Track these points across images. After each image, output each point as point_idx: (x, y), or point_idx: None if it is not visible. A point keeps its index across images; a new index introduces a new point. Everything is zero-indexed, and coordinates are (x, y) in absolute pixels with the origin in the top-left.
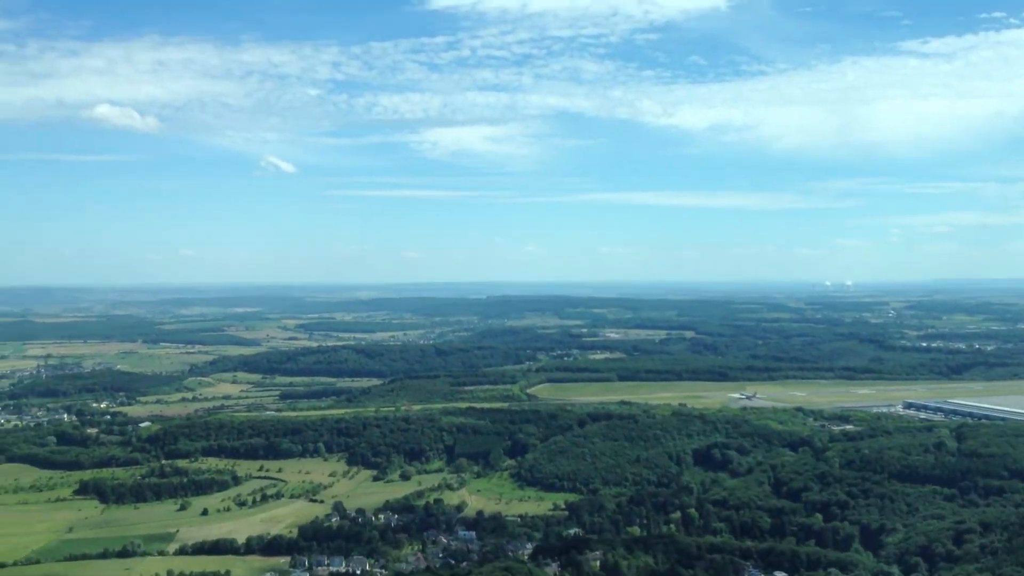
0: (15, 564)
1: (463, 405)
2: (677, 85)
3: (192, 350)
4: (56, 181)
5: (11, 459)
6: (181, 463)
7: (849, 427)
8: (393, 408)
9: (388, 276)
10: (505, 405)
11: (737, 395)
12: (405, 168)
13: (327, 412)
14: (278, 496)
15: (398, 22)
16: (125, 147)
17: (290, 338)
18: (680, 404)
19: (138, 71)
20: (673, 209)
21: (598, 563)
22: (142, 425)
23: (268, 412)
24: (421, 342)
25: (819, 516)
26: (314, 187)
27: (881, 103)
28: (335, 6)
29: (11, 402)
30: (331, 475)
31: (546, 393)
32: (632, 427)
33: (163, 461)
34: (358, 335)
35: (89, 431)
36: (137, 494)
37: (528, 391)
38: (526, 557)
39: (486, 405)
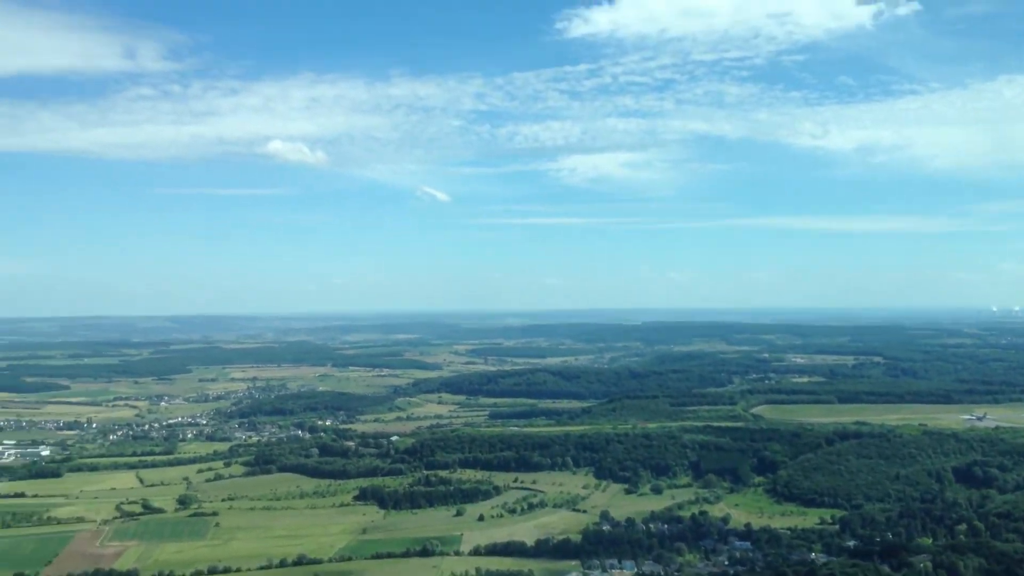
0: (330, 560)
1: (699, 423)
2: (824, 106)
3: (382, 373)
4: (217, 214)
5: (282, 469)
6: (442, 473)
7: None
8: (630, 426)
9: (530, 303)
10: (741, 424)
11: (966, 416)
12: (544, 195)
13: (569, 428)
14: (542, 505)
15: (540, 52)
16: (282, 181)
17: (467, 362)
18: (921, 424)
19: (293, 108)
20: (821, 233)
21: (929, 564)
22: (394, 439)
23: (512, 428)
24: (596, 366)
25: None
26: (455, 216)
27: None
28: (479, 39)
29: (244, 420)
30: (584, 487)
31: (769, 414)
32: (885, 445)
33: (425, 472)
34: (532, 360)
35: (347, 444)
36: (412, 501)
37: (752, 411)
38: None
39: (723, 424)
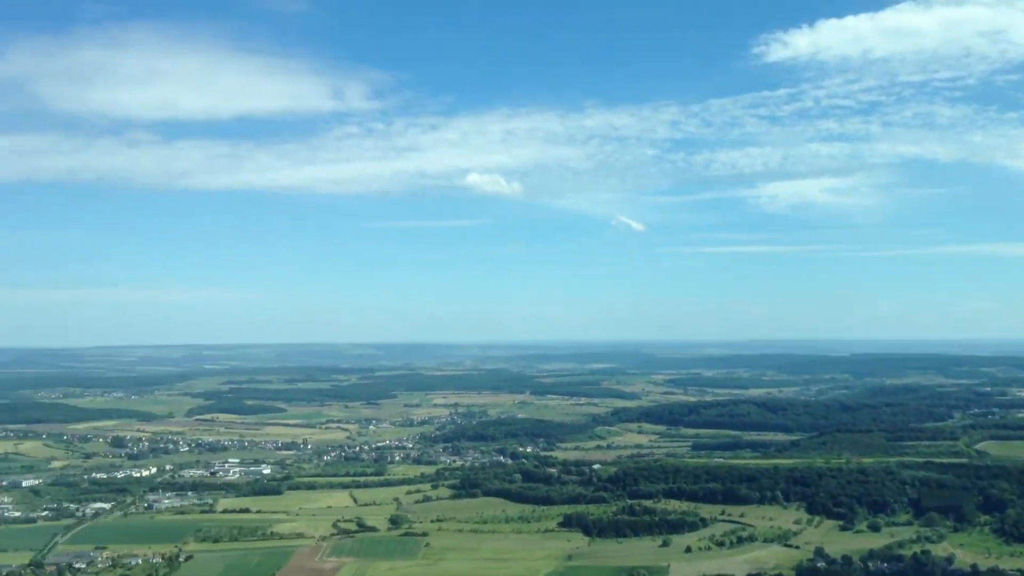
0: None
1: (918, 459)
2: None
3: (580, 402)
4: (419, 245)
5: (487, 493)
6: (646, 503)
7: None
8: (843, 460)
9: (730, 333)
10: (964, 461)
11: None
12: (743, 223)
13: (777, 461)
14: (751, 539)
15: (737, 78)
16: (480, 212)
17: (666, 392)
18: None
19: (489, 141)
20: None
21: None
22: (596, 467)
23: (718, 459)
24: (802, 398)
25: None
26: (651, 244)
27: None
28: (673, 68)
29: (448, 444)
30: (795, 522)
31: (995, 450)
32: None
33: (629, 501)
34: (733, 391)
35: (549, 471)
36: (616, 529)
37: (975, 448)
38: None
39: (945, 460)
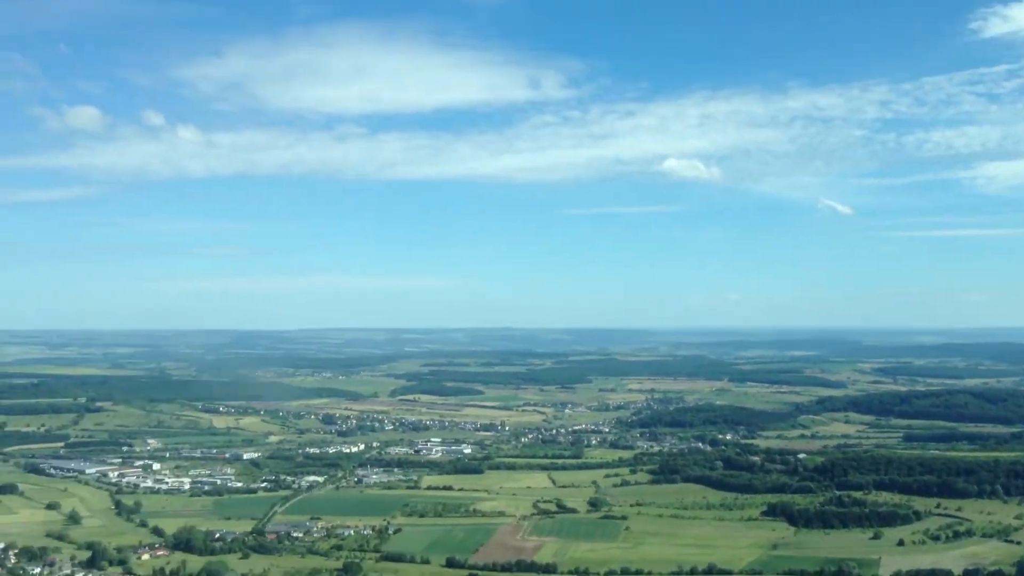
0: (741, 573)
1: None
2: None
3: (781, 389)
4: (614, 232)
5: (686, 479)
6: (855, 494)
7: None
8: None
9: (943, 320)
10: None
11: None
12: (958, 206)
13: (997, 454)
14: (968, 534)
15: (952, 54)
16: (677, 198)
17: (874, 381)
18: None
19: (687, 126)
20: None
21: None
22: (802, 456)
23: (933, 451)
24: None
25: None
26: (858, 229)
27: None
28: (883, 46)
29: (644, 430)
30: (1016, 517)
31: None
32: None
33: (836, 491)
34: (947, 381)
35: (752, 459)
36: (823, 520)
37: None
38: None
39: None
